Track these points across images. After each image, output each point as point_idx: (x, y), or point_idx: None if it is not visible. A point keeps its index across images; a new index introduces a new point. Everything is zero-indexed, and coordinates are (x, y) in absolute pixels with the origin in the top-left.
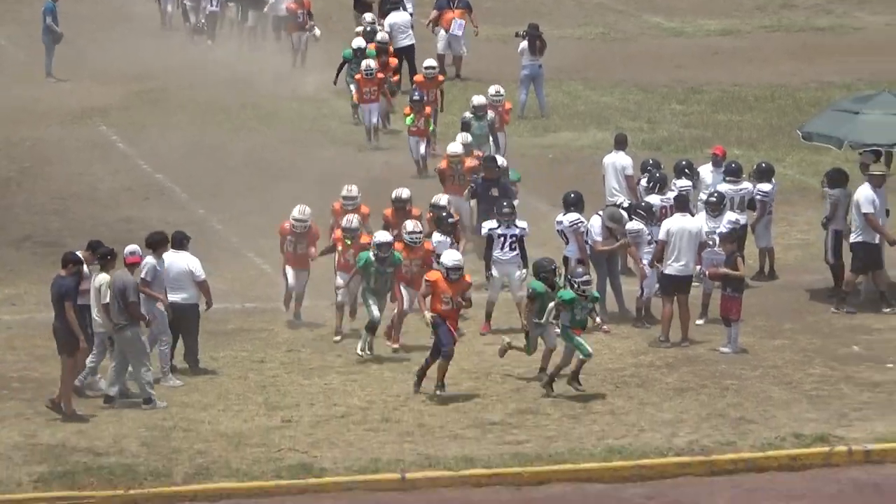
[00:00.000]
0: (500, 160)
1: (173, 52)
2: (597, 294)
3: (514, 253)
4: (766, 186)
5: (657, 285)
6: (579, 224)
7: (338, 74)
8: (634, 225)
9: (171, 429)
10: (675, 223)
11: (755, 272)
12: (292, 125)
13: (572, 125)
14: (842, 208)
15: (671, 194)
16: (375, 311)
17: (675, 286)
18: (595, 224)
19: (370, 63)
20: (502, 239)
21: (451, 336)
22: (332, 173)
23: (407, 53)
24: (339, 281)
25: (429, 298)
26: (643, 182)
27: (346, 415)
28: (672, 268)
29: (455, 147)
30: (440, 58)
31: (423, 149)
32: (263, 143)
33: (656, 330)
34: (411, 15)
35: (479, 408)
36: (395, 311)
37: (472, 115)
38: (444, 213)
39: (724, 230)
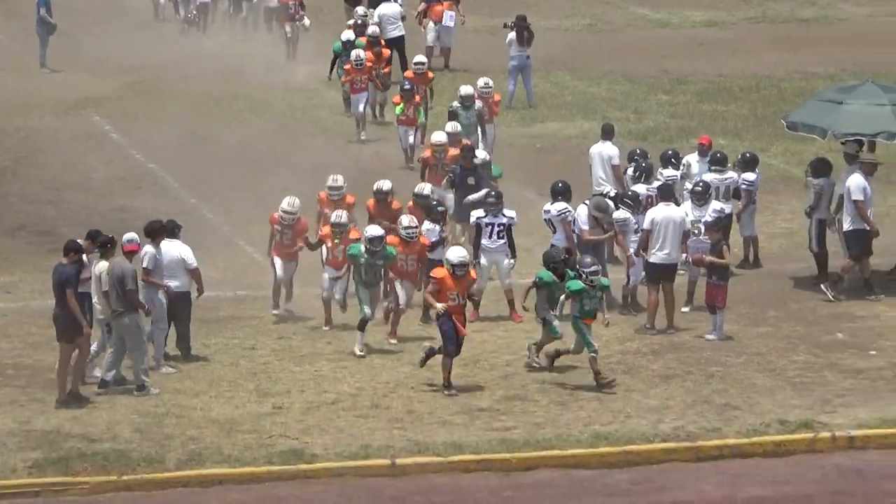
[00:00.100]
0: (483, 155)
1: (166, 43)
2: (606, 282)
3: (502, 241)
4: (750, 176)
5: (643, 273)
6: (567, 213)
7: (332, 69)
8: (621, 214)
9: (163, 415)
10: (660, 212)
11: (740, 260)
12: (283, 115)
13: (560, 115)
14: (825, 197)
15: (657, 184)
16: (367, 309)
17: (660, 274)
18: (582, 213)
19: (360, 53)
20: (490, 228)
21: (456, 336)
22: (323, 163)
23: (397, 44)
24: (326, 276)
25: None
26: (629, 171)
27: (336, 401)
28: (657, 256)
29: (439, 136)
30: (429, 50)
31: (411, 138)
32: (255, 133)
33: (642, 317)
34: (401, 6)
35: (468, 394)
36: (387, 305)
37: (459, 105)
38: (434, 202)
39: (710, 219)
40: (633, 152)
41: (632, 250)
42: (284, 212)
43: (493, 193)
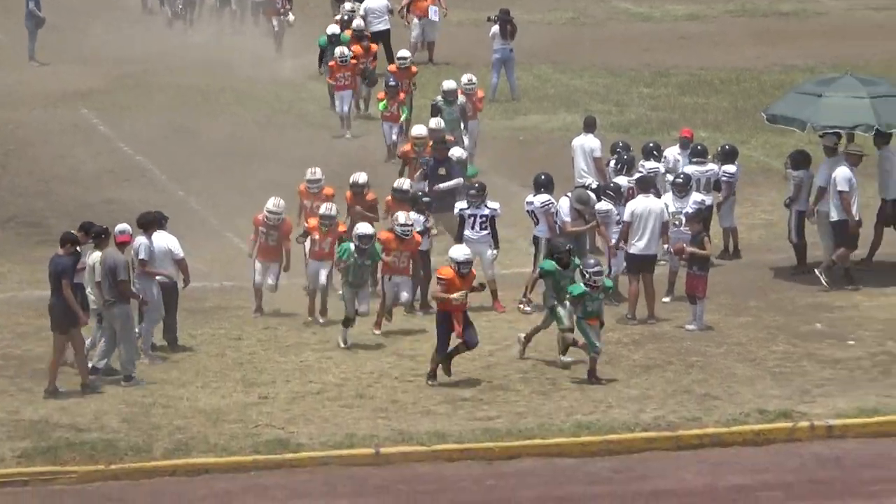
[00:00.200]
0: (460, 153)
1: (154, 37)
2: (610, 284)
3: (485, 232)
4: (731, 168)
5: (624, 264)
6: (550, 205)
7: (320, 63)
8: (603, 205)
9: (150, 405)
10: (640, 204)
11: (720, 251)
12: (270, 109)
13: (542, 108)
14: (805, 189)
15: (638, 175)
16: (351, 308)
17: (640, 265)
18: (564, 205)
19: (343, 50)
20: (472, 219)
21: (448, 340)
22: (309, 156)
23: (383, 38)
24: (311, 269)
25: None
26: (612, 164)
27: (321, 391)
28: (637, 247)
29: (419, 130)
30: (413, 45)
31: (394, 135)
32: (241, 126)
33: (623, 308)
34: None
35: (451, 384)
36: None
37: (442, 101)
38: (419, 193)
39: (691, 210)
40: (615, 144)
41: (614, 241)
42: (270, 212)
43: (474, 186)
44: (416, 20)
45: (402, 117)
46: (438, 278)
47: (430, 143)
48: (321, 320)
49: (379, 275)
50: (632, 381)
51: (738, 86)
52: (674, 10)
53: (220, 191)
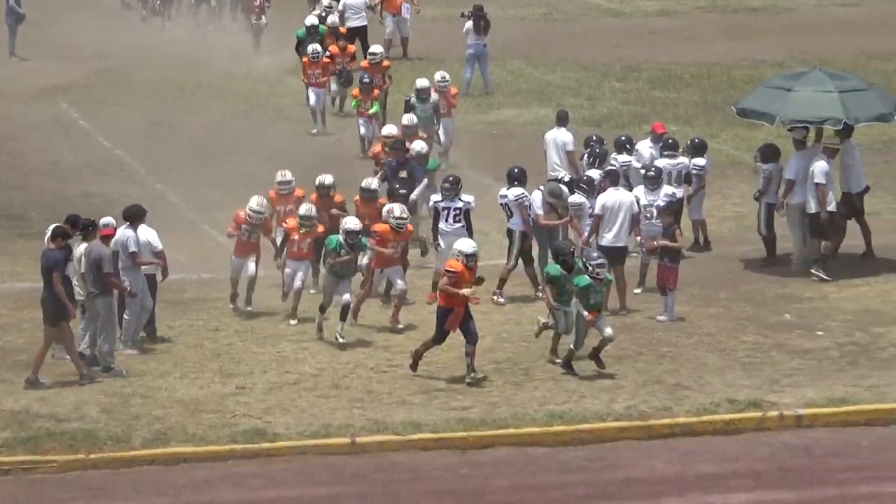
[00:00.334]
0: (422, 146)
1: (132, 32)
2: (610, 277)
3: (459, 225)
4: (700, 161)
5: None
6: (523, 198)
7: (299, 54)
8: (576, 198)
9: (129, 395)
10: (611, 197)
11: (691, 243)
12: (247, 103)
13: (515, 102)
14: (774, 182)
15: (607, 169)
16: (346, 296)
17: (611, 257)
18: (536, 198)
19: (316, 47)
20: (446, 211)
21: (446, 333)
22: (285, 150)
23: (360, 34)
24: (290, 269)
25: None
26: (585, 157)
27: (297, 382)
28: (608, 240)
29: (389, 129)
30: (387, 42)
31: (366, 129)
32: (219, 120)
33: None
34: None
35: (426, 375)
36: (362, 293)
37: (415, 98)
38: (397, 185)
39: (662, 203)
40: (589, 138)
41: (586, 234)
42: (253, 211)
43: (448, 179)
44: (389, 17)
45: (371, 110)
46: (447, 271)
47: (389, 145)
48: (293, 322)
49: (364, 261)
50: (603, 371)
51: (709, 80)
52: (645, 5)
53: (197, 184)
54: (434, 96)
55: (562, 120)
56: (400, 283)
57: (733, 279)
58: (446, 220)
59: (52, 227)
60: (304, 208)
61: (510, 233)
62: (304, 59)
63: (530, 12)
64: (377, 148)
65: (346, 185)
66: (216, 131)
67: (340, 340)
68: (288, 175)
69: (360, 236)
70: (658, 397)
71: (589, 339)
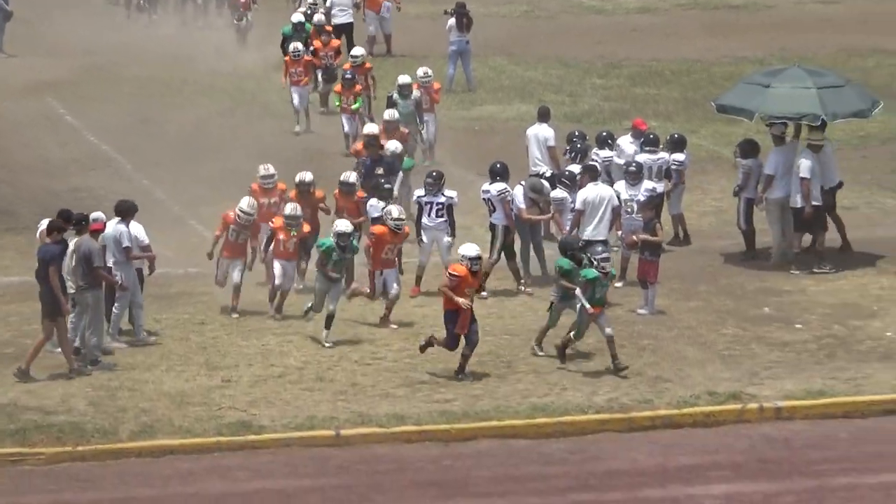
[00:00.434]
0: (396, 145)
1: (120, 29)
2: (615, 272)
3: (442, 220)
4: (679, 156)
5: None
6: (506, 193)
7: (284, 51)
8: (558, 193)
9: (116, 388)
10: (591, 192)
11: (671, 237)
12: (232, 99)
13: (497, 98)
14: (753, 177)
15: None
16: (332, 305)
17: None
18: (518, 193)
19: (298, 45)
20: (429, 206)
21: (458, 337)
22: (271, 146)
23: (346, 31)
24: (277, 268)
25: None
26: (567, 152)
27: (282, 375)
28: (589, 234)
29: (371, 128)
30: (371, 39)
31: (348, 126)
32: (205, 116)
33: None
34: None
35: (409, 368)
36: (354, 288)
37: (397, 95)
38: (382, 179)
39: (643, 198)
40: (571, 134)
41: (567, 229)
42: (243, 212)
43: (431, 174)
44: (372, 15)
45: (354, 106)
46: (451, 275)
47: (363, 143)
48: (278, 317)
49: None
50: (585, 364)
51: (689, 77)
52: (625, 2)
53: (184, 180)
54: (416, 92)
55: (543, 116)
56: (395, 288)
57: (713, 273)
58: (429, 215)
59: (44, 221)
60: (290, 208)
61: (493, 227)
62: (286, 58)
63: (512, 9)
64: (359, 146)
65: (330, 179)
66: (202, 127)
67: (327, 345)
68: (271, 169)
69: (351, 238)
70: (639, 390)
71: (560, 330)
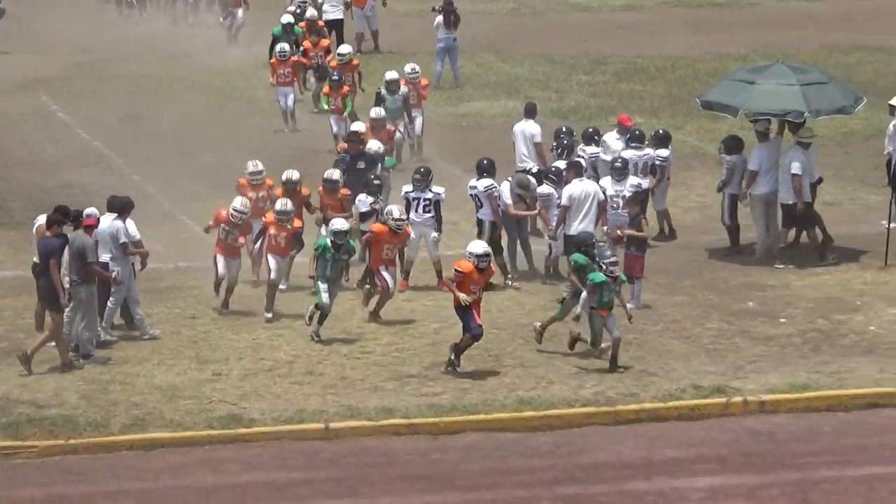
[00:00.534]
0: (378, 146)
1: (111, 26)
2: (624, 277)
3: (429, 215)
4: (664, 152)
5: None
6: (493, 189)
7: (271, 53)
8: (545, 189)
9: (108, 382)
10: (576, 188)
11: (656, 233)
12: (222, 96)
13: (485, 95)
14: (738, 173)
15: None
16: (326, 298)
17: (577, 247)
18: (505, 189)
19: (284, 46)
20: (416, 202)
21: (477, 322)
22: (260, 142)
23: (336, 27)
24: (272, 263)
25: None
26: (554, 148)
27: (272, 368)
28: (575, 229)
29: (358, 126)
30: (359, 36)
31: (336, 127)
32: (195, 113)
33: (563, 287)
34: None
35: (398, 361)
36: (368, 289)
37: (385, 91)
38: (372, 176)
39: (628, 194)
40: (559, 130)
41: (553, 224)
42: (237, 211)
43: (419, 170)
44: (358, 12)
45: (346, 112)
46: (456, 271)
47: (346, 140)
48: (269, 315)
49: (361, 253)
50: (571, 357)
51: (673, 73)
52: (611, 0)
53: (174, 175)
54: (404, 88)
55: (530, 112)
56: (390, 282)
57: (698, 268)
58: (416, 211)
59: (41, 217)
60: (280, 203)
61: (480, 223)
62: (273, 61)
63: (499, 7)
64: (346, 144)
65: (318, 177)
66: (193, 124)
67: (316, 339)
68: (259, 165)
69: (347, 236)
70: (625, 383)
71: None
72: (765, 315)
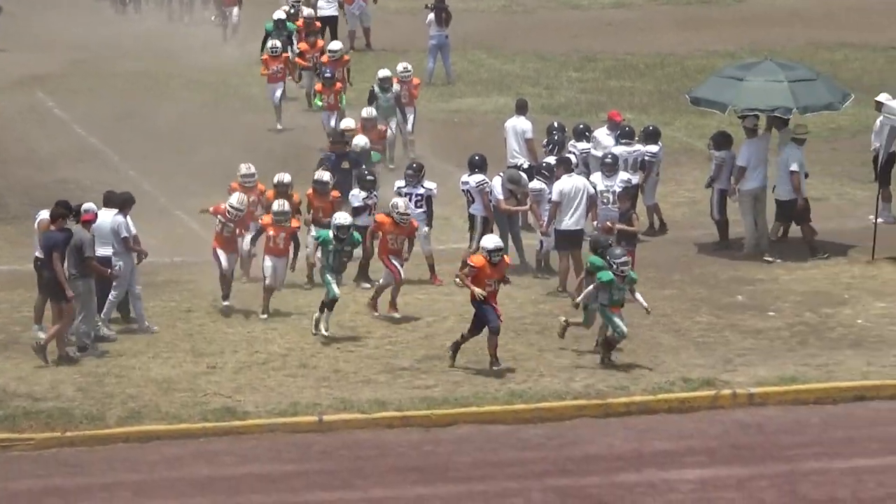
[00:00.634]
0: (364, 141)
1: (107, 23)
2: (634, 276)
3: (421, 210)
4: (653, 148)
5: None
6: (484, 184)
7: (263, 48)
8: (536, 184)
9: (104, 375)
10: (567, 183)
11: (646, 227)
12: (217, 93)
13: (476, 91)
14: (726, 169)
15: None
16: (335, 288)
17: (569, 241)
18: (496, 184)
19: (276, 42)
20: (409, 197)
21: (496, 313)
22: (254, 139)
23: (330, 23)
24: (268, 263)
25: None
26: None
27: (267, 361)
28: (566, 224)
29: (348, 123)
30: (351, 33)
31: (333, 122)
32: (189, 109)
33: (554, 281)
34: None
35: (391, 354)
36: (381, 281)
37: (378, 88)
38: (366, 171)
39: (619, 189)
40: (551, 126)
41: (545, 219)
42: (233, 207)
43: (411, 166)
44: (349, 9)
45: (342, 106)
46: (470, 266)
47: (331, 138)
48: (264, 316)
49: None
50: (563, 350)
51: (663, 70)
52: None
53: (170, 172)
54: (396, 86)
55: (521, 108)
56: (401, 272)
57: (687, 262)
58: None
59: (43, 212)
60: (277, 204)
61: (472, 218)
62: (264, 57)
63: (490, 4)
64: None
65: (311, 174)
66: (188, 120)
67: (326, 335)
68: (251, 168)
69: (350, 230)
70: (615, 376)
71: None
72: (754, 309)
